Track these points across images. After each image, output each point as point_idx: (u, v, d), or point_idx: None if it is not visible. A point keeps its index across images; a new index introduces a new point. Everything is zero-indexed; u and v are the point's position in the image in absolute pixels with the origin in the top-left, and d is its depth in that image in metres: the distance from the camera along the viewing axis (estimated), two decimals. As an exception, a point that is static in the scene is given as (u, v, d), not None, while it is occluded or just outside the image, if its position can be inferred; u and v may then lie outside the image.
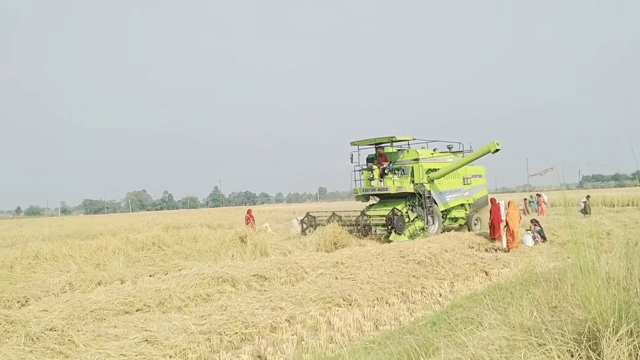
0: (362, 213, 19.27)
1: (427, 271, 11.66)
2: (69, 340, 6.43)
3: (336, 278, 10.67)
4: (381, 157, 20.81)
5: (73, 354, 6.09)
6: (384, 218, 18.35)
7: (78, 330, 6.94)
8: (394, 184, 19.74)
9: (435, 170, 20.29)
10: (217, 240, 15.83)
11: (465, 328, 4.90)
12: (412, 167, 20.06)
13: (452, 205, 21.41)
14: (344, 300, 9.14)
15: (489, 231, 16.95)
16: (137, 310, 8.53)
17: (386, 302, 9.38)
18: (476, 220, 22.07)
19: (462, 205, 22.18)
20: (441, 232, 19.52)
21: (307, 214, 21.18)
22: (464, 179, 22.00)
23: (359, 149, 21.12)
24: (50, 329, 6.66)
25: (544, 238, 16.57)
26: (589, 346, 3.75)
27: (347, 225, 18.64)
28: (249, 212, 23.40)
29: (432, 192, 19.93)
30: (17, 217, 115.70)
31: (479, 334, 4.67)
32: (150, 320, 7.58)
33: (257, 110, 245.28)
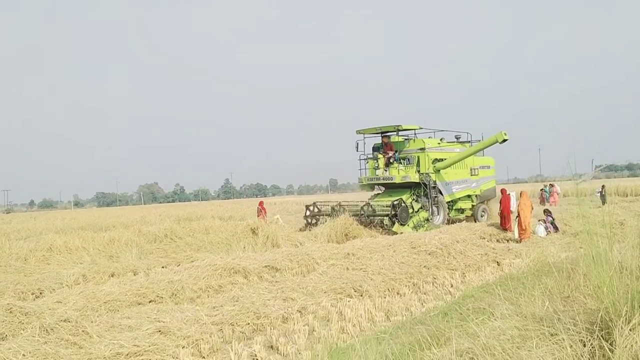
0: (367, 203, 19.04)
1: (438, 262, 11.64)
2: (82, 331, 6.48)
3: (347, 269, 10.68)
4: (387, 146, 20.58)
5: (87, 344, 6.15)
6: (388, 208, 18.13)
7: (92, 322, 7.01)
8: (399, 173, 19.48)
9: (441, 160, 20.03)
10: (228, 232, 15.87)
11: (476, 318, 4.90)
12: (418, 157, 19.79)
13: (458, 196, 21.12)
14: (355, 291, 9.15)
15: (499, 222, 16.86)
16: (150, 302, 8.59)
17: (397, 293, 9.38)
18: (483, 212, 21.79)
19: (469, 196, 21.85)
20: (446, 224, 19.37)
21: (309, 206, 20.79)
22: (471, 169, 21.66)
23: (364, 138, 20.79)
24: (64, 320, 6.72)
25: (556, 228, 16.46)
26: (602, 336, 3.74)
27: (351, 216, 18.28)
28: (260, 204, 23.19)
29: (438, 182, 19.67)
30: (31, 210, 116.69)
31: (490, 324, 4.66)
32: (163, 312, 7.63)
33: (271, 98, 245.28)
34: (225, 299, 8.46)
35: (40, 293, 9.94)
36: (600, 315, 3.88)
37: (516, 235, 15.33)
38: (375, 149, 21.20)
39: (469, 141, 22.23)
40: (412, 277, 10.31)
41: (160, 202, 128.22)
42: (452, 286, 9.88)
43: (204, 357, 6.31)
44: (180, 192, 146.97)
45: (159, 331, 6.66)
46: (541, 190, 32.73)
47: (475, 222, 20.25)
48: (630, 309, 3.74)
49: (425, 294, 9.36)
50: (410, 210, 18.37)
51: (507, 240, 15.36)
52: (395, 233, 17.20)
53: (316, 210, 20.43)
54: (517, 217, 15.41)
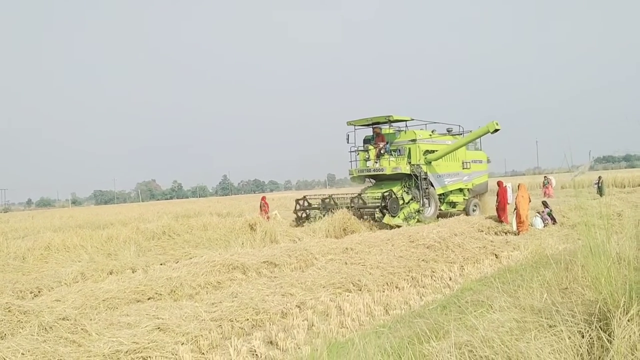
0: (358, 195, 18.93)
1: (436, 255, 11.65)
2: (82, 329, 6.47)
3: (346, 263, 10.69)
4: (378, 138, 20.47)
5: (86, 342, 6.14)
6: (378, 200, 18.00)
7: (91, 319, 7.00)
8: (389, 164, 19.35)
9: (433, 152, 19.91)
10: (227, 228, 15.89)
11: (475, 311, 4.90)
12: (409, 148, 19.67)
13: (450, 189, 21.04)
14: (354, 286, 9.16)
15: (496, 214, 16.88)
16: (148, 299, 8.59)
17: (396, 287, 9.38)
18: (474, 206, 21.66)
19: (461, 190, 21.76)
20: (437, 217, 19.32)
21: (299, 200, 20.65)
22: (463, 163, 21.58)
23: (355, 129, 20.66)
24: (63, 319, 6.71)
25: (554, 220, 16.48)
26: (600, 327, 3.75)
27: (342, 209, 18.07)
28: (263, 198, 22.90)
29: (429, 174, 19.55)
30: (29, 208, 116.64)
31: (489, 316, 4.67)
32: (162, 308, 7.62)
33: (268, 95, 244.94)
34: (224, 295, 8.46)
35: (39, 292, 9.94)
36: (598, 306, 3.89)
37: (514, 228, 15.35)
38: (367, 141, 21.05)
39: (461, 133, 22.09)
40: (411, 271, 10.32)
41: (158, 200, 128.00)
42: (450, 279, 9.89)
43: (203, 354, 6.30)
44: (178, 189, 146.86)
45: (158, 328, 6.65)
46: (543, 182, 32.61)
47: (467, 216, 20.14)
48: (628, 299, 3.74)
49: (424, 287, 9.37)
50: (401, 202, 18.24)
51: (505, 233, 15.37)
52: (386, 225, 17.20)
53: (306, 204, 20.33)
54: (514, 209, 15.43)
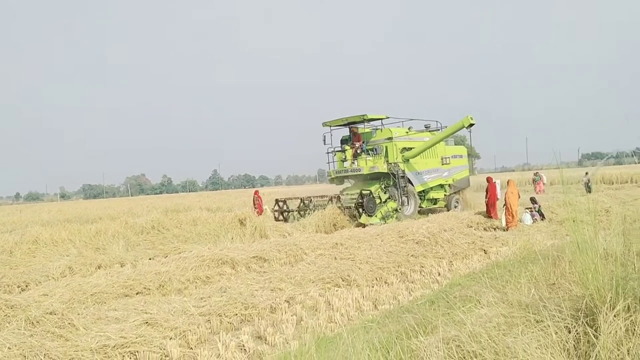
0: (337, 196, 18.79)
1: (425, 250, 11.69)
2: (69, 323, 6.44)
3: (335, 259, 10.70)
4: (355, 137, 20.29)
5: (73, 337, 6.10)
6: (354, 200, 17.82)
7: (78, 314, 6.97)
8: (367, 164, 19.19)
9: (410, 149, 19.73)
10: (216, 223, 15.84)
11: (463, 306, 4.92)
12: (386, 147, 19.49)
13: (430, 186, 20.90)
14: (343, 281, 9.17)
15: (485, 210, 16.95)
16: (137, 293, 8.56)
17: (385, 282, 9.41)
18: (456, 202, 21.60)
19: (442, 186, 21.62)
20: (417, 214, 19.28)
21: (279, 201, 20.57)
22: (442, 158, 21.44)
23: (331, 130, 20.48)
24: (51, 313, 6.67)
25: (542, 216, 16.57)
26: (587, 322, 3.77)
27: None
28: (256, 192, 22.55)
29: (408, 172, 19.42)
30: (17, 202, 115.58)
31: (477, 311, 4.69)
32: (150, 303, 7.60)
33: (256, 90, 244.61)
34: (213, 290, 8.45)
35: (26, 286, 9.87)
36: (585, 301, 3.91)
37: (503, 224, 15.41)
38: (344, 141, 20.90)
39: (439, 129, 21.79)
40: (400, 266, 10.34)
41: (148, 194, 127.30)
42: (439, 274, 9.93)
43: (191, 348, 6.29)
44: (168, 184, 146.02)
45: (146, 323, 6.63)
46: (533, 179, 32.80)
47: (456, 212, 20.11)
48: (614, 295, 3.77)
49: (412, 282, 9.40)
50: (378, 201, 18.08)
51: (494, 229, 15.43)
52: (364, 225, 17.07)
53: (285, 207, 20.22)
54: (503, 205, 15.49)
